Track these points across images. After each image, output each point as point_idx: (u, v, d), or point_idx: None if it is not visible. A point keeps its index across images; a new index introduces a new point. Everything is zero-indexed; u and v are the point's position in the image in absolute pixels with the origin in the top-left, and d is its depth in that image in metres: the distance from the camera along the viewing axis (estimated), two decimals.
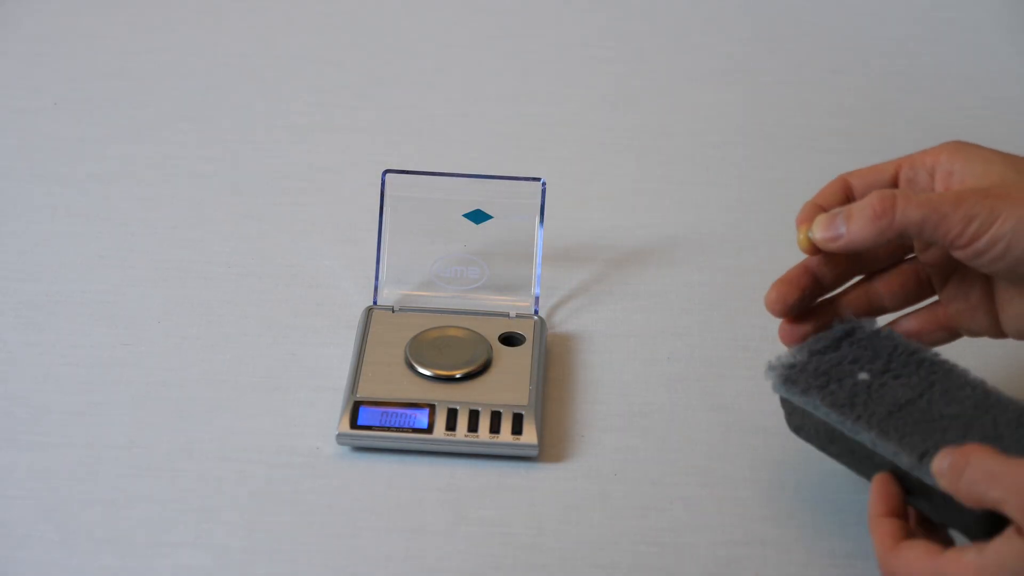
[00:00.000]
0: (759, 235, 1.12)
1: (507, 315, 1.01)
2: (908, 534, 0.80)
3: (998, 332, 0.88)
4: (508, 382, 0.95)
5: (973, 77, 1.33)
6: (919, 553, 0.78)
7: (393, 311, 1.01)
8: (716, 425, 0.95)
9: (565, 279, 1.07)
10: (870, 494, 0.82)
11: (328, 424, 0.94)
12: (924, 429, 0.82)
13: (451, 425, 0.92)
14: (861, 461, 0.84)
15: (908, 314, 0.90)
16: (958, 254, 0.82)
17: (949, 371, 0.85)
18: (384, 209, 1.02)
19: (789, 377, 0.86)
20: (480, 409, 0.93)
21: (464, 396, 0.94)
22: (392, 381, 0.95)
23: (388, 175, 1.02)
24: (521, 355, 0.98)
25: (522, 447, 0.92)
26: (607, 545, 0.88)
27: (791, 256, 1.05)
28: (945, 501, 0.80)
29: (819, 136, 1.25)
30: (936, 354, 0.86)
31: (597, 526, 0.89)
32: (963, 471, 0.77)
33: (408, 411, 0.93)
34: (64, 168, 1.18)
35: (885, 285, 0.90)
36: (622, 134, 1.25)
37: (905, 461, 0.81)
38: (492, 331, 0.99)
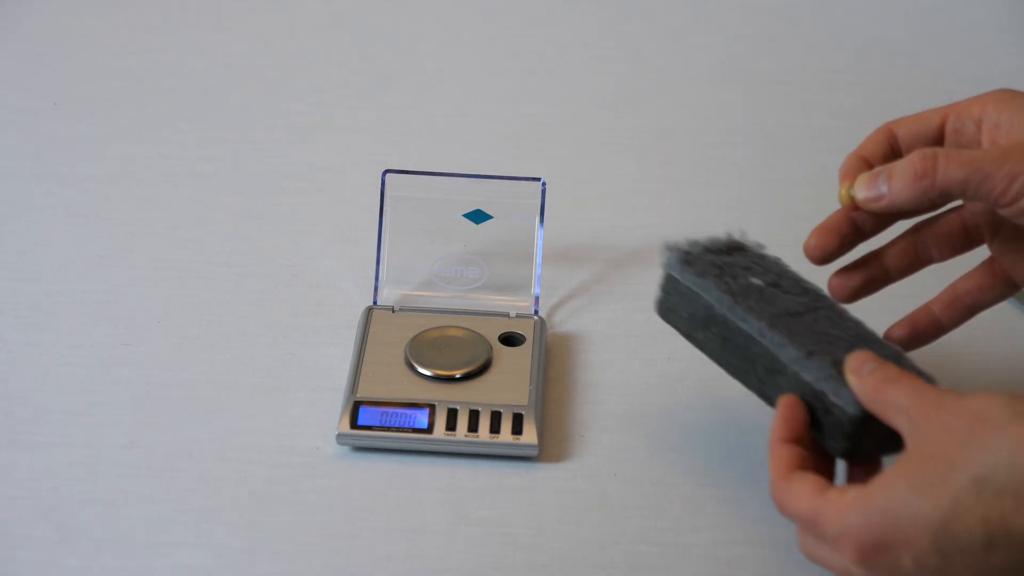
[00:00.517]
0: (759, 235, 1.12)
1: (507, 315, 1.01)
2: (803, 463, 0.80)
3: None
4: (508, 382, 0.95)
5: (973, 77, 1.33)
6: (807, 487, 0.78)
7: (393, 311, 1.01)
8: (716, 425, 0.95)
9: (565, 279, 1.07)
10: (775, 418, 0.82)
11: (328, 424, 0.94)
12: (811, 337, 0.84)
13: (451, 425, 0.92)
14: (731, 351, 0.86)
15: (964, 275, 0.90)
16: (1003, 212, 0.82)
17: (832, 304, 0.87)
18: (384, 209, 1.02)
19: (686, 260, 0.88)
20: (480, 409, 0.93)
21: (464, 396, 0.94)
22: (392, 381, 0.95)
23: (388, 175, 1.02)
24: (521, 355, 0.98)
25: (522, 447, 0.92)
26: (607, 545, 0.88)
27: (792, 257, 1.05)
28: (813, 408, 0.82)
29: (819, 136, 1.25)
30: (820, 288, 0.88)
31: (597, 526, 0.89)
32: (877, 373, 0.79)
33: (408, 411, 0.93)
34: (64, 168, 1.18)
35: (932, 236, 0.89)
36: (622, 134, 1.25)
37: (791, 354, 0.82)
38: (492, 331, 0.99)
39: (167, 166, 1.18)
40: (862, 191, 0.84)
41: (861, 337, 0.85)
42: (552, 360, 1.00)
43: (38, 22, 1.35)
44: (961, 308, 0.91)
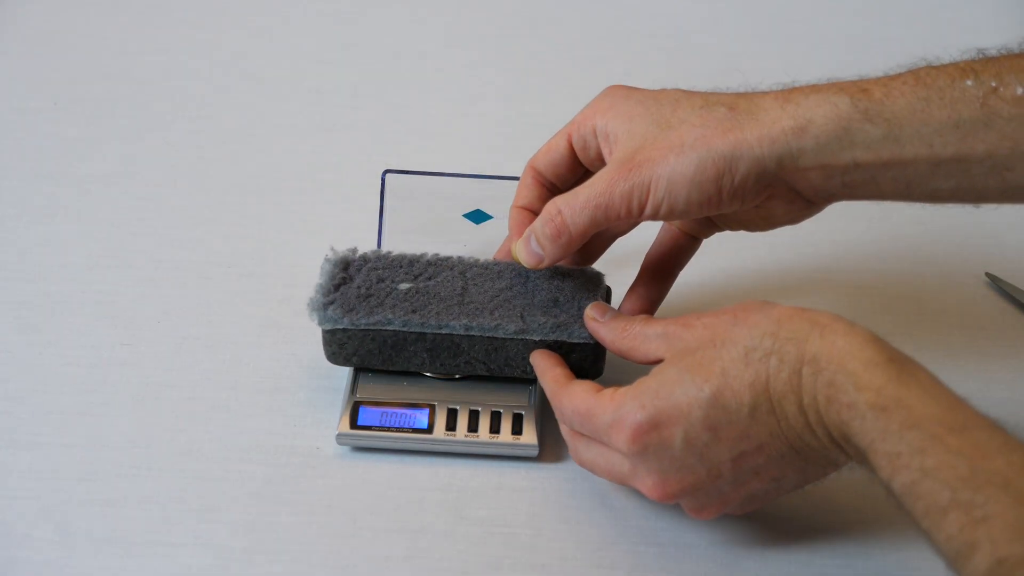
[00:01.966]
0: (759, 235, 1.12)
1: None
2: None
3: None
4: (508, 382, 0.95)
5: None
6: (583, 388, 0.86)
7: None
8: None
9: None
10: (537, 368, 0.90)
11: (328, 424, 0.94)
12: (505, 307, 0.93)
13: (451, 425, 0.92)
14: (440, 357, 0.93)
15: (651, 248, 0.97)
16: (644, 222, 0.89)
17: (459, 261, 0.96)
18: (384, 209, 1.02)
19: (345, 307, 0.92)
20: (480, 409, 0.93)
21: (464, 396, 0.94)
22: (392, 381, 0.95)
23: (388, 175, 1.02)
24: None
25: (522, 447, 0.92)
26: (607, 545, 0.88)
27: (791, 256, 1.05)
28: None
29: None
30: (436, 254, 0.96)
31: (597, 526, 0.89)
32: (619, 318, 0.88)
33: (408, 411, 0.93)
34: (64, 168, 1.17)
35: (657, 249, 0.96)
36: None
37: (509, 328, 0.91)
38: None
39: (167, 166, 1.18)
40: (525, 258, 0.91)
41: (512, 278, 0.94)
42: None
43: (38, 22, 1.35)
44: (661, 276, 0.96)
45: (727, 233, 1.13)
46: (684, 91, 0.89)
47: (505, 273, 0.96)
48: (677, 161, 0.84)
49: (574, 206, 0.87)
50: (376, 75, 1.31)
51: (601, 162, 0.91)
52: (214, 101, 1.27)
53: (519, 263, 0.92)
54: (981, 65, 0.84)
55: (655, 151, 0.85)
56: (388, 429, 0.92)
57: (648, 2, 1.42)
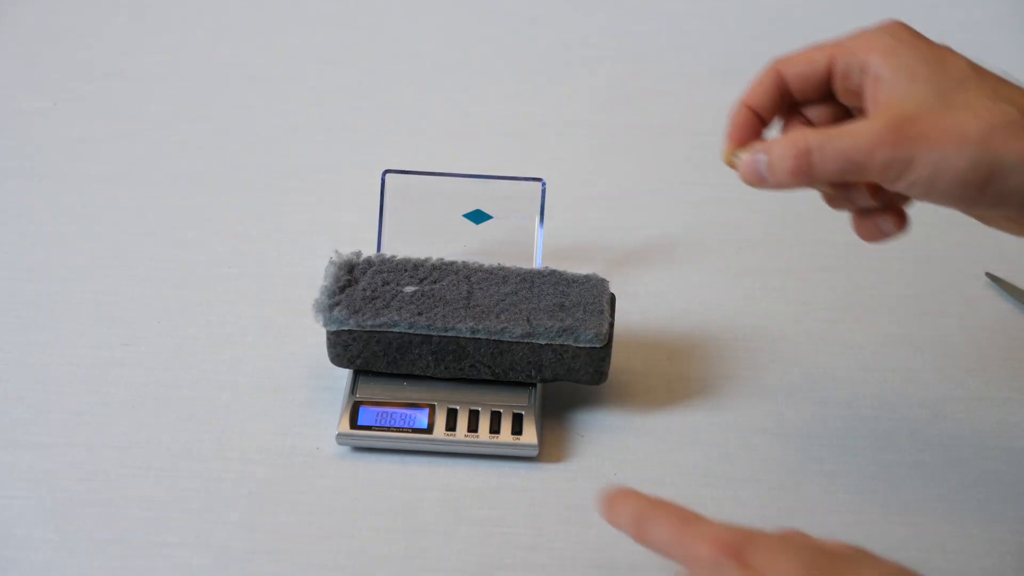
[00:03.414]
0: (759, 235, 1.12)
1: None
2: None
3: None
4: (508, 382, 0.95)
5: None
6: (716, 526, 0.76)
7: None
8: (716, 425, 0.95)
9: None
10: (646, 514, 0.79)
11: (328, 424, 0.94)
12: (511, 310, 0.93)
13: (451, 425, 0.92)
14: (445, 360, 0.93)
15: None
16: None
17: (464, 266, 0.96)
18: (384, 209, 1.02)
19: (350, 308, 0.92)
20: (480, 409, 0.93)
21: (464, 396, 0.94)
22: (392, 381, 0.95)
23: (388, 175, 1.02)
24: None
25: (522, 447, 0.92)
26: (607, 545, 0.88)
27: (792, 256, 1.05)
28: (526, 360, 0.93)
29: None
30: (440, 258, 0.97)
31: (597, 526, 0.89)
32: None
33: (408, 411, 0.93)
34: (64, 168, 1.18)
35: (816, 115, 0.88)
36: (622, 134, 1.25)
37: (516, 332, 0.92)
38: None
39: (167, 166, 1.18)
40: (746, 172, 0.83)
41: (519, 281, 0.95)
42: None
43: (38, 22, 1.35)
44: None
45: (727, 233, 1.13)
46: (972, 65, 0.82)
47: (510, 278, 0.96)
48: (953, 152, 0.79)
49: (827, 151, 0.80)
50: (376, 75, 1.31)
51: (855, 98, 0.85)
52: (214, 101, 1.27)
53: (729, 164, 0.85)
54: None
55: (932, 129, 0.79)
56: (388, 429, 0.92)
57: (648, 2, 1.43)
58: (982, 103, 0.79)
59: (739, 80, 1.33)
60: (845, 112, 0.86)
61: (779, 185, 0.82)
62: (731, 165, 0.85)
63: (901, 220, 0.85)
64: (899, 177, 0.79)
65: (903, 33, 0.83)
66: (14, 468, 0.91)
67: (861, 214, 0.86)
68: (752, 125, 0.86)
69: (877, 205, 0.85)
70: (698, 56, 1.35)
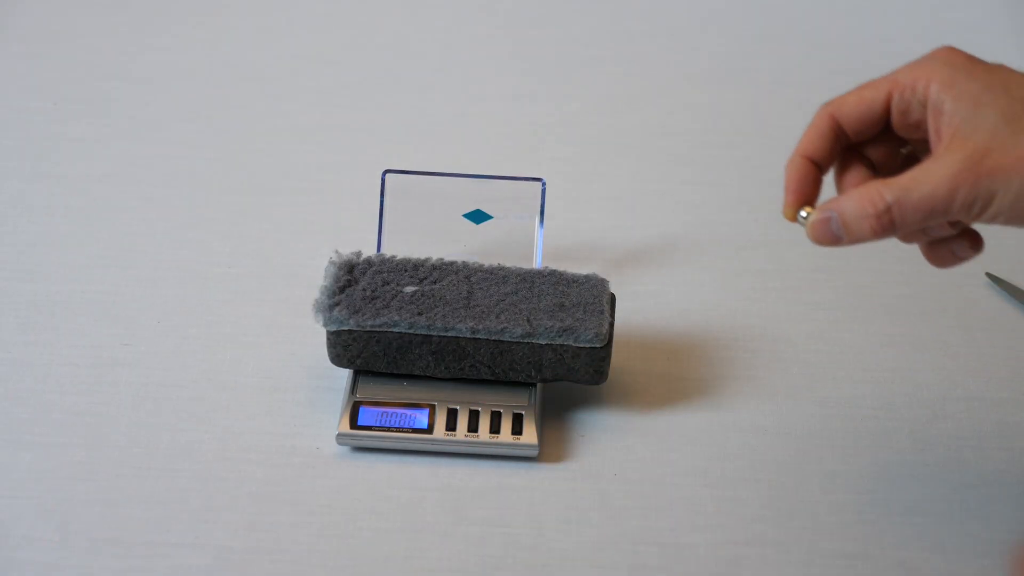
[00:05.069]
0: (759, 235, 1.12)
1: None
2: None
3: None
4: (508, 382, 0.95)
5: None
6: None
7: None
8: (716, 425, 0.96)
9: None
10: None
11: (328, 424, 0.94)
12: (512, 310, 0.93)
13: (451, 425, 0.92)
14: (445, 360, 0.93)
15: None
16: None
17: (464, 266, 0.96)
18: (384, 209, 1.02)
19: (350, 308, 0.92)
20: (480, 409, 0.93)
21: (464, 396, 0.94)
22: (392, 381, 0.95)
23: (388, 175, 1.02)
24: None
25: (522, 447, 0.92)
26: (607, 545, 0.88)
27: (792, 256, 1.05)
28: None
29: None
30: (440, 259, 0.97)
31: (597, 526, 0.89)
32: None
33: (408, 411, 0.93)
34: (64, 168, 1.18)
35: (875, 153, 0.86)
36: (622, 134, 1.25)
37: (517, 332, 0.92)
38: None
39: (167, 166, 1.18)
40: (817, 234, 0.81)
41: (519, 281, 0.95)
42: None
43: (38, 22, 1.35)
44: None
45: (727, 233, 1.14)
46: None
47: (510, 278, 0.96)
48: None
49: (907, 204, 0.78)
50: (376, 75, 1.31)
51: (916, 130, 0.83)
52: (214, 101, 1.27)
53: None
54: None
55: (1007, 158, 0.78)
56: (388, 429, 0.92)
57: (648, 2, 1.43)
58: None
59: (739, 80, 1.34)
60: (901, 143, 0.85)
61: (857, 243, 0.80)
62: (793, 220, 0.82)
63: (977, 242, 0.84)
64: (982, 212, 0.78)
65: (957, 59, 0.81)
66: (14, 468, 0.91)
67: (933, 242, 0.84)
68: (811, 175, 0.83)
69: (953, 232, 0.83)
70: (698, 56, 1.35)
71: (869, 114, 0.82)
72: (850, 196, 0.80)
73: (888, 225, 0.79)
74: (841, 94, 0.83)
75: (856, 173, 0.84)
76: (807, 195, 0.82)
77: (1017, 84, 0.79)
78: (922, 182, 0.78)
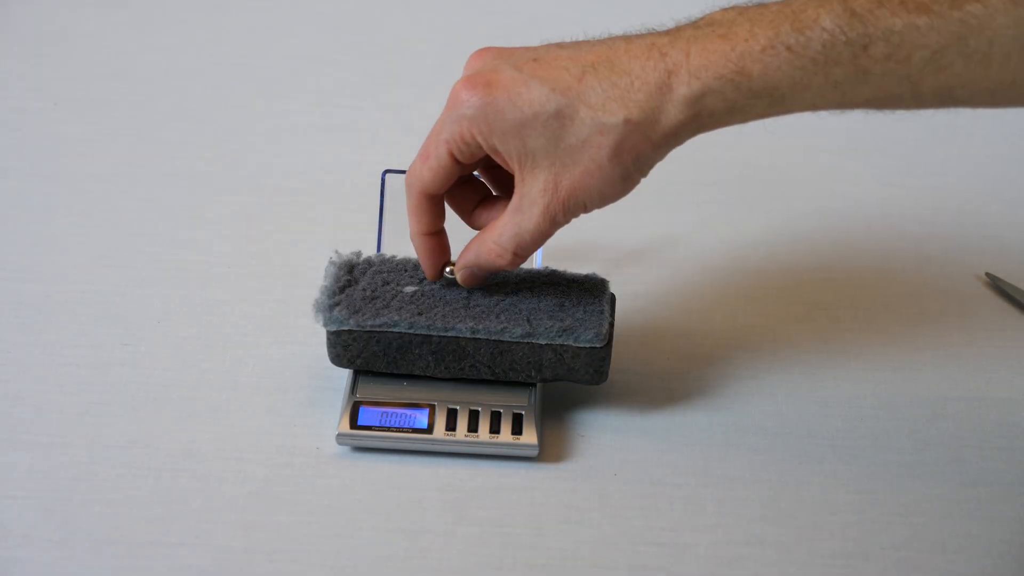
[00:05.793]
0: (759, 235, 1.12)
1: None
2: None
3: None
4: (508, 382, 0.95)
5: None
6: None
7: None
8: (716, 425, 0.95)
9: None
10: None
11: (328, 424, 0.94)
12: (511, 310, 0.93)
13: (451, 425, 0.92)
14: (445, 360, 0.93)
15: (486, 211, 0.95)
16: None
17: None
18: (384, 209, 1.02)
19: (350, 308, 0.92)
20: (480, 409, 0.93)
21: (464, 396, 0.94)
22: (392, 381, 0.95)
23: (388, 175, 1.02)
24: None
25: (522, 447, 0.92)
26: (607, 545, 0.88)
27: (791, 256, 1.05)
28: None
29: (819, 136, 1.25)
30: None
31: (597, 526, 0.89)
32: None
33: (408, 411, 0.93)
34: (64, 168, 1.18)
35: (488, 176, 0.95)
36: None
37: (516, 332, 0.92)
38: None
39: (167, 166, 1.18)
40: (470, 284, 0.94)
41: (516, 287, 0.96)
42: None
43: (38, 22, 1.35)
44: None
45: (727, 233, 1.14)
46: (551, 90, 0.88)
47: (510, 278, 0.96)
48: (602, 181, 0.88)
49: (524, 243, 0.89)
50: (376, 75, 1.31)
51: (486, 161, 0.91)
52: (214, 101, 1.27)
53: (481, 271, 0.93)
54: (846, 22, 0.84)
55: (574, 179, 0.87)
56: (388, 429, 0.92)
57: (648, 2, 1.42)
58: (588, 129, 0.87)
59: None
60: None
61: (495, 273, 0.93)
62: (439, 279, 0.94)
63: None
64: (584, 213, 0.90)
65: (478, 91, 0.89)
66: (14, 468, 0.91)
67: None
68: (437, 244, 0.93)
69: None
70: None
71: (448, 176, 0.90)
72: (479, 252, 0.91)
73: (519, 261, 0.90)
74: (416, 168, 0.91)
75: (481, 205, 0.94)
76: (442, 260, 0.94)
77: (544, 102, 0.87)
78: (526, 225, 0.88)
